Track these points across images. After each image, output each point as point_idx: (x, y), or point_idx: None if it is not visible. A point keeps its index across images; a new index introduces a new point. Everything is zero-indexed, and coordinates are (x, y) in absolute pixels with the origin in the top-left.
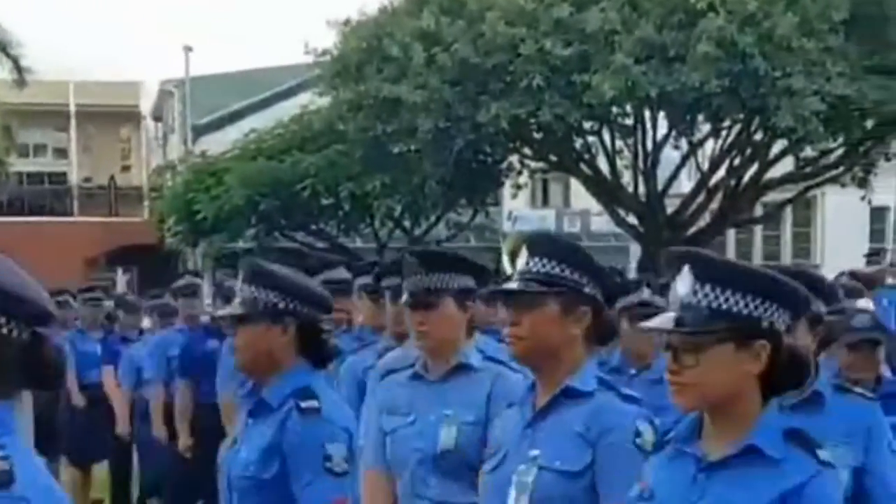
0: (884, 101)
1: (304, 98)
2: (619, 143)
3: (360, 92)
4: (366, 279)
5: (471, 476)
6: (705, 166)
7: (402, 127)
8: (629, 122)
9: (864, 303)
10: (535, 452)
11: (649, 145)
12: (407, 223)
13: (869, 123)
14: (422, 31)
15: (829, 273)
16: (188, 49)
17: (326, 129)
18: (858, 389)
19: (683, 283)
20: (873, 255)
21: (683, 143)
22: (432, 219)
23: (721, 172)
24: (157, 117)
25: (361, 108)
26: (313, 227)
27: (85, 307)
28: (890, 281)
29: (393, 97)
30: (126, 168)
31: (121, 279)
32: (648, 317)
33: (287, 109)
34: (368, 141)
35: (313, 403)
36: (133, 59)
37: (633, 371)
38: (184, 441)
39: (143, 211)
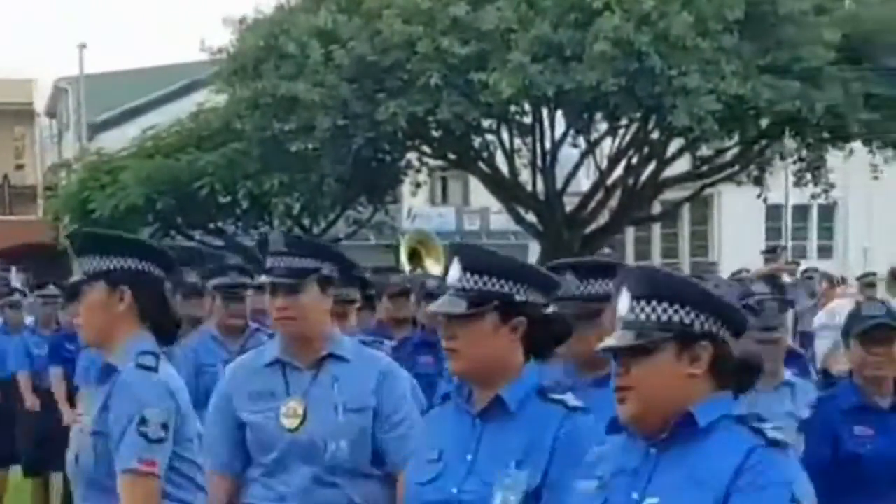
0: (777, 100)
1: (200, 96)
2: (517, 142)
3: (258, 90)
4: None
5: None
6: (603, 164)
7: (300, 125)
8: (527, 120)
9: None
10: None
11: (547, 144)
12: (306, 221)
13: (764, 122)
14: (319, 29)
15: (725, 270)
16: (82, 46)
17: (224, 128)
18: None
19: None
20: (770, 252)
21: (581, 141)
22: (331, 217)
23: (619, 171)
24: (52, 114)
25: (259, 106)
26: (211, 225)
27: (41, 305)
28: (786, 279)
29: (290, 95)
30: (20, 166)
31: (15, 278)
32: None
33: (184, 107)
34: (266, 139)
35: None
36: (26, 55)
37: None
38: None
39: (37, 209)
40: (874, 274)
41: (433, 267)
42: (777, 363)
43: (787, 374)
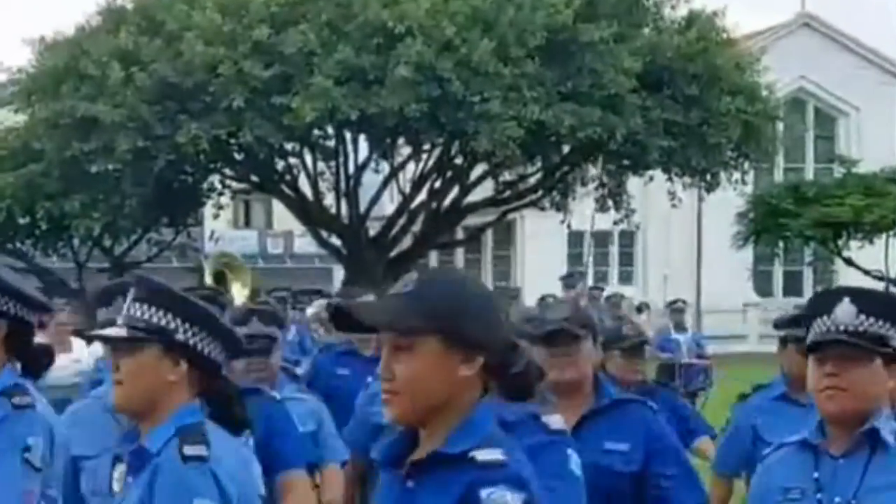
0: (578, 126)
1: None
2: (320, 165)
3: (57, 110)
4: None
5: None
6: (407, 189)
7: (101, 146)
8: (330, 144)
9: None
10: None
11: (351, 167)
12: (107, 243)
13: (565, 149)
14: (119, 50)
15: (529, 296)
16: None
17: (22, 148)
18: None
19: None
20: (568, 278)
21: (384, 165)
22: (133, 238)
23: (422, 195)
24: None
25: (58, 126)
26: (9, 246)
27: None
28: (583, 303)
29: (90, 116)
30: None
31: None
32: None
33: None
34: (66, 160)
35: None
36: None
37: None
38: None
39: None
40: (684, 301)
41: (240, 290)
42: None
43: None
